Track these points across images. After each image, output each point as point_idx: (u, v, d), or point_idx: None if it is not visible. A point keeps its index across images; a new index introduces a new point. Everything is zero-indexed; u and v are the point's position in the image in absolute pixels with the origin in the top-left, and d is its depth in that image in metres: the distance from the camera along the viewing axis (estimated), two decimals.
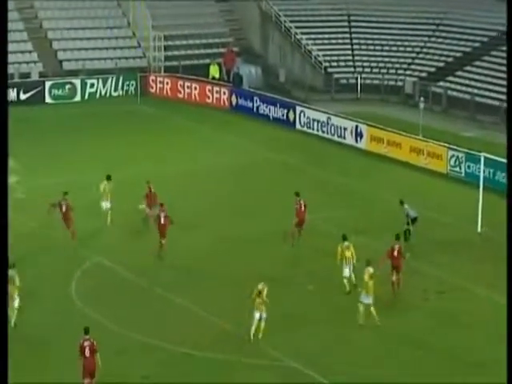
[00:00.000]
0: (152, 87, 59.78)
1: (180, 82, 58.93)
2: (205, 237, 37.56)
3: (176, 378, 27.07)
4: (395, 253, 32.12)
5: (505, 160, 42.35)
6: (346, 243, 32.62)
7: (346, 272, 32.68)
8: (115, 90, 59.28)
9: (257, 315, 29.30)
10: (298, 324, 30.79)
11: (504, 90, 53.66)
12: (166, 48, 61.65)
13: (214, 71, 59.92)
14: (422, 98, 52.32)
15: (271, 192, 42.52)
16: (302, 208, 36.37)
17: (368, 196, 41.90)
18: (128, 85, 59.38)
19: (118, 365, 27.32)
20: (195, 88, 58.41)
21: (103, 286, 32.83)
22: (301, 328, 30.54)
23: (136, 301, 31.94)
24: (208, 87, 58.04)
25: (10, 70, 56.89)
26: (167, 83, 59.46)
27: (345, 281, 32.59)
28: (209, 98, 57.91)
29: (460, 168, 44.77)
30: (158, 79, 59.90)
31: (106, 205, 38.38)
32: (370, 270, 30.19)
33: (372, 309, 29.96)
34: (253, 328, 29.51)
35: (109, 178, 38.34)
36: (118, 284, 33.33)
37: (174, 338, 29.02)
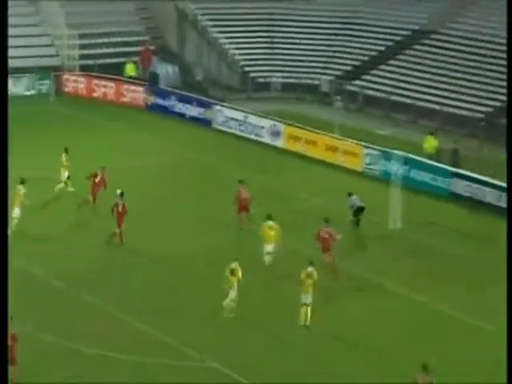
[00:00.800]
0: (66, 86, 59.54)
1: (95, 81, 58.75)
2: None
3: (93, 379, 27.18)
4: (325, 235, 33.18)
5: (418, 157, 43.64)
6: (270, 222, 34.02)
7: (269, 248, 33.97)
8: (28, 89, 58.94)
9: (232, 293, 30.61)
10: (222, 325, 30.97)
11: (418, 88, 55.21)
12: (81, 46, 61.41)
13: (130, 70, 59.85)
14: (337, 97, 53.06)
15: (187, 192, 42.57)
16: (243, 195, 37.18)
17: (284, 194, 42.28)
18: (41, 84, 59.06)
19: (36, 367, 27.50)
20: (111, 87, 58.35)
21: (20, 290, 32.65)
22: (224, 329, 30.72)
23: (52, 303, 32.04)
24: (124, 86, 57.95)
25: None
26: (82, 82, 59.29)
27: (266, 257, 33.97)
28: (125, 96, 57.86)
29: (375, 166, 45.46)
30: (73, 78, 59.77)
31: (16, 212, 36.98)
32: (309, 269, 30.35)
33: (308, 309, 30.22)
34: (225, 303, 30.68)
35: (23, 181, 37.54)
36: (33, 287, 33.37)
37: (90, 340, 29.04)
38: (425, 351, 28.49)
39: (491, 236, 37.96)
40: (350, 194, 38.41)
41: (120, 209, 36.20)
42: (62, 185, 41.43)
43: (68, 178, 41.28)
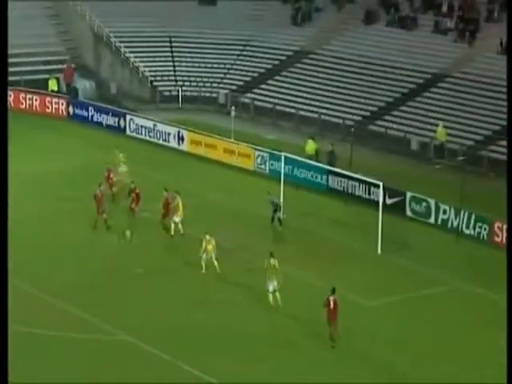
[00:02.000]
0: None
1: (22, 95, 57.83)
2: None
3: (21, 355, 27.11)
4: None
5: (300, 158, 43.68)
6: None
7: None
8: None
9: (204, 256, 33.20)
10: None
11: (299, 99, 55.61)
12: (9, 64, 60.70)
13: (53, 85, 59.21)
14: (233, 107, 52.91)
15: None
16: (169, 200, 37.80)
17: (188, 191, 41.72)
18: None
19: None
20: (36, 99, 57.62)
21: None
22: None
23: None
24: (47, 99, 57.30)
25: None
26: (10, 95, 57.35)
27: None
28: (48, 108, 57.19)
29: (265, 165, 46.02)
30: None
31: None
32: (271, 260, 30.68)
33: (277, 294, 30.45)
34: (203, 263, 33.30)
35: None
36: None
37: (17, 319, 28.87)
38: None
39: (361, 224, 38.91)
40: (268, 193, 38.69)
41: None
42: None
43: None
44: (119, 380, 26.38)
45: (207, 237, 33.62)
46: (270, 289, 30.60)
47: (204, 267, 33.75)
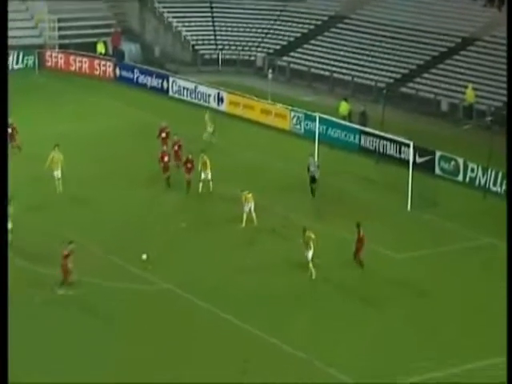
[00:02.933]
0: (48, 61, 58.59)
1: (72, 57, 57.82)
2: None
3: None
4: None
5: (333, 118, 43.44)
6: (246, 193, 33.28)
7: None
8: (16, 63, 57.99)
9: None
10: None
11: (334, 63, 54.92)
12: (60, 29, 60.48)
13: (101, 48, 58.97)
14: (270, 70, 52.57)
15: (142, 149, 41.84)
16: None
17: (226, 149, 42.10)
18: (27, 59, 58.08)
19: None
20: (85, 62, 57.49)
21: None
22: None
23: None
24: (96, 61, 57.17)
25: None
26: (61, 58, 58.32)
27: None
28: (96, 70, 57.03)
29: (300, 125, 45.48)
30: (53, 55, 58.85)
31: (57, 174, 36.13)
32: (307, 233, 29.31)
33: (310, 265, 29.25)
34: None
35: (56, 146, 36.44)
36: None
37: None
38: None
39: (392, 181, 38.16)
40: (310, 155, 37.18)
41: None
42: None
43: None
44: (164, 328, 26.07)
45: (245, 192, 33.04)
46: (309, 257, 29.32)
47: (244, 221, 33.17)
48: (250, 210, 33.21)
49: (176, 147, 38.75)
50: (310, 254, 29.15)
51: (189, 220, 34.05)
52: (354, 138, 43.00)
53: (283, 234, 32.66)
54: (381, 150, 41.42)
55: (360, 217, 34.37)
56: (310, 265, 29.17)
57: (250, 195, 33.31)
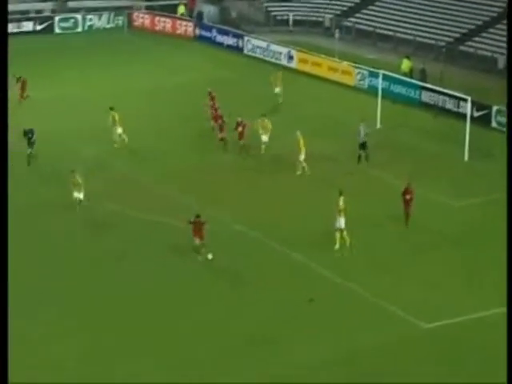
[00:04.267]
0: (136, 21, 58.18)
1: (157, 18, 57.44)
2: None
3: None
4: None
5: (396, 75, 42.52)
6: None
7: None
8: (108, 23, 57.95)
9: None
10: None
11: (397, 23, 53.29)
12: None
13: (181, 9, 58.27)
14: (337, 30, 51.47)
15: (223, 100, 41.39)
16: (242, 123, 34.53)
17: (295, 104, 41.39)
18: (118, 19, 57.89)
19: None
20: (168, 22, 57.02)
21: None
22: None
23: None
24: (178, 22, 56.69)
25: (26, 6, 55.83)
26: (147, 18, 57.97)
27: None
28: (178, 29, 56.58)
29: (364, 82, 44.53)
30: (140, 15, 58.44)
31: (118, 131, 35.05)
32: (341, 198, 26.88)
33: (345, 233, 26.76)
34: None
35: (112, 108, 35.37)
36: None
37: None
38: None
39: (450, 134, 37.28)
40: (361, 121, 34.31)
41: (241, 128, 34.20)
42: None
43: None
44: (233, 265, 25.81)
45: (299, 136, 31.90)
46: (338, 226, 26.77)
47: (301, 169, 32.39)
48: (302, 159, 32.09)
49: (240, 128, 34.94)
50: (343, 221, 26.65)
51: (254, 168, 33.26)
52: (415, 93, 42.01)
53: (345, 181, 31.81)
54: (440, 105, 40.49)
55: (420, 166, 33.67)
56: (345, 232, 26.74)
57: (302, 142, 31.92)
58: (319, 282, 24.77)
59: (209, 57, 51.04)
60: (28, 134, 33.02)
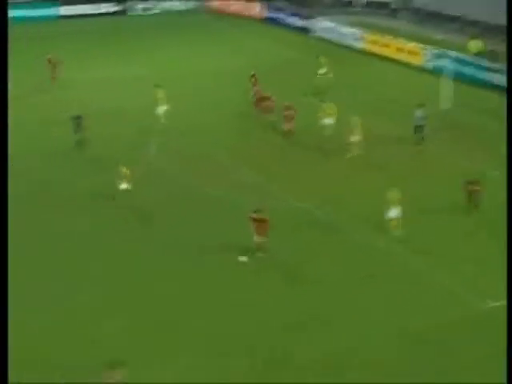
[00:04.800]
0: (209, 3, 58.58)
1: (228, 1, 57.70)
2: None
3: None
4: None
5: (464, 55, 41.69)
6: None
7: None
8: (183, 5, 58.37)
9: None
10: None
11: (464, 4, 52.11)
12: None
13: None
14: (404, 11, 51.18)
15: (292, 77, 41.51)
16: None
17: (363, 84, 40.94)
18: (192, 2, 58.56)
19: None
20: (239, 4, 57.10)
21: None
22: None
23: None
24: (248, 3, 56.53)
25: None
26: (218, 1, 58.26)
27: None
28: (248, 11, 56.49)
29: (432, 62, 43.61)
30: None
31: (162, 108, 34.17)
32: (394, 189, 25.13)
33: (398, 222, 24.95)
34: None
35: (157, 85, 34.76)
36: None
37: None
38: None
39: None
40: (419, 106, 32.55)
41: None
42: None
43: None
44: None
45: (356, 120, 30.96)
46: (391, 215, 25.11)
47: (355, 151, 31.35)
48: (355, 140, 30.95)
49: (287, 112, 33.74)
50: (395, 212, 24.94)
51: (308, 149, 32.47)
52: (482, 74, 40.93)
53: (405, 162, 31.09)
54: (506, 86, 38.74)
55: (484, 146, 32.62)
56: (395, 222, 25.03)
57: (357, 124, 30.91)
58: (380, 260, 24.12)
59: (277, 38, 50.70)
60: (76, 120, 31.77)
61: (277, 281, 22.88)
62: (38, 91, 39.35)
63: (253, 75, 37.32)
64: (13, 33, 35.76)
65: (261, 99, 35.20)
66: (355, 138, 30.99)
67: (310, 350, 19.83)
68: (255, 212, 23.49)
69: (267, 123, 34.41)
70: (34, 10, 54.35)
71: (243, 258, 23.44)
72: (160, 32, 52.31)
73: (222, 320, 20.99)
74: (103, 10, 55.76)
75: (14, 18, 52.63)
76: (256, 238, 23.55)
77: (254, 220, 23.40)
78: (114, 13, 56.25)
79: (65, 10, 55.17)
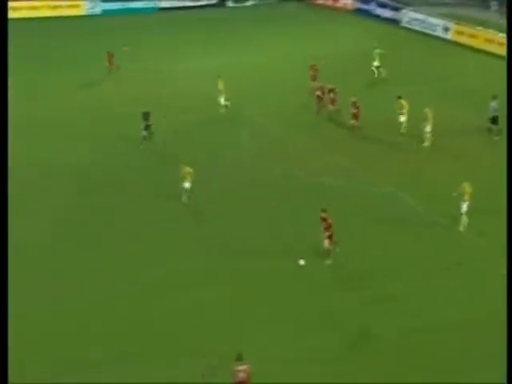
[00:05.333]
0: None
1: None
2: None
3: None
4: None
5: None
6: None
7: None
8: None
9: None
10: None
11: None
12: None
13: None
14: (493, 2, 49.52)
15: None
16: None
17: (443, 76, 39.63)
18: None
19: None
20: None
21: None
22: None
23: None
24: None
25: None
26: None
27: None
28: (339, 2, 56.26)
29: None
30: None
31: (222, 100, 33.87)
32: (465, 184, 24.28)
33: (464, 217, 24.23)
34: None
35: (219, 76, 34.12)
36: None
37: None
38: None
39: None
40: (493, 97, 31.51)
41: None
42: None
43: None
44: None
45: (429, 112, 30.39)
46: (464, 209, 24.35)
47: (428, 140, 30.60)
48: (427, 129, 30.33)
49: (355, 110, 32.22)
50: (465, 206, 24.13)
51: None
52: None
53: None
54: None
55: None
56: (464, 217, 24.23)
57: (430, 115, 30.19)
58: (460, 245, 23.74)
59: (366, 29, 50.24)
60: (145, 117, 31.14)
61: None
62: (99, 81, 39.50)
63: (312, 66, 36.45)
64: (114, 23, 36.60)
65: (322, 91, 34.05)
66: (429, 128, 30.51)
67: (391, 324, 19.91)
68: (323, 211, 22.74)
69: (332, 115, 33.81)
70: (134, 3, 55.55)
71: (302, 262, 22.31)
72: (254, 23, 52.50)
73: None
74: (202, 3, 56.31)
75: (117, 10, 54.32)
76: (324, 243, 22.65)
77: (323, 220, 22.59)
78: (213, 5, 56.63)
79: (164, 3, 55.98)
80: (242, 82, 37.85)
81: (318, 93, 34.14)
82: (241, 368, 16.63)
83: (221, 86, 34.21)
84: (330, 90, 33.72)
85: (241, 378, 16.60)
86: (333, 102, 33.55)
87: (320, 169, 28.73)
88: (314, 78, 36.17)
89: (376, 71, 39.65)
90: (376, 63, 39.74)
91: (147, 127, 31.41)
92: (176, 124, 33.48)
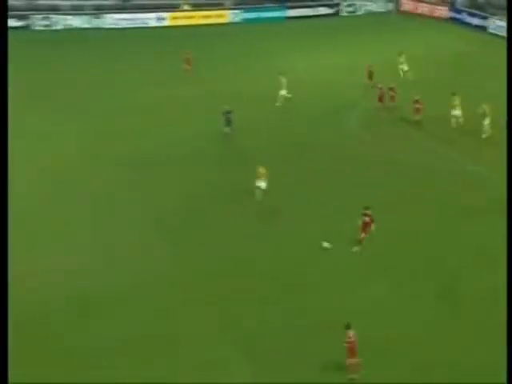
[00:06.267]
0: (403, 6, 60.20)
1: (417, 3, 59.73)
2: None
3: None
4: None
5: None
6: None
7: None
8: (380, 8, 60.21)
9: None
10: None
11: None
12: None
13: None
14: None
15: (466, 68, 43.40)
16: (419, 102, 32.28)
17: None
18: (388, 5, 60.79)
19: None
20: (426, 7, 59.33)
21: None
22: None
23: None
24: (433, 6, 58.78)
25: None
26: (410, 4, 60.25)
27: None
28: (435, 12, 58.69)
29: None
30: (405, 2, 59.68)
31: (284, 92, 34.80)
32: None
33: None
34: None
35: (280, 73, 35.04)
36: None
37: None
38: None
39: None
40: None
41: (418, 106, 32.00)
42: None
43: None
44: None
45: (487, 109, 31.02)
46: None
47: (487, 132, 31.35)
48: (486, 123, 31.19)
49: (418, 106, 32.86)
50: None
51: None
52: None
53: None
54: None
55: None
56: None
57: (488, 111, 30.83)
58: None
59: (457, 35, 51.91)
60: (227, 114, 30.49)
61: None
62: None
63: (368, 66, 36.79)
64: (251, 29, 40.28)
65: (382, 92, 34.25)
66: (487, 121, 31.74)
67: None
68: (365, 208, 22.77)
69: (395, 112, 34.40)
70: (266, 13, 61.31)
71: (326, 244, 22.10)
72: (363, 29, 53.56)
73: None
74: (320, 12, 60.67)
75: (253, 19, 61.28)
76: (360, 234, 22.44)
77: (365, 215, 22.53)
78: (329, 14, 60.30)
79: (291, 13, 61.02)
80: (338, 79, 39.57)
81: (380, 90, 34.41)
82: (350, 334, 17.68)
83: (283, 80, 34.30)
84: (390, 88, 34.30)
85: (351, 341, 17.65)
86: (392, 98, 34.10)
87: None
88: (369, 77, 36.97)
89: (402, 73, 39.82)
90: (405, 67, 40.10)
91: (228, 123, 30.14)
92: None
